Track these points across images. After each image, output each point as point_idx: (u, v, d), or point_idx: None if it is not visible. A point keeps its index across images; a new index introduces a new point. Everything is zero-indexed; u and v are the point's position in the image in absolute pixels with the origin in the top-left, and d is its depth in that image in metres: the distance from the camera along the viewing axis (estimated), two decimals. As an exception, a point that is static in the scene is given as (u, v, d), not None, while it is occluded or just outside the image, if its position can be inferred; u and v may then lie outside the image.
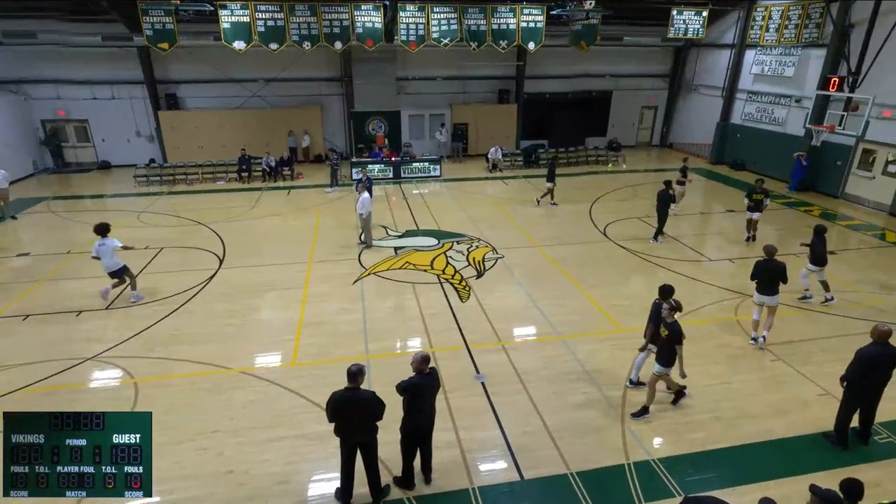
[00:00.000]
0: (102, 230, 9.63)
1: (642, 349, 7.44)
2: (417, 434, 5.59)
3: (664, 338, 6.56)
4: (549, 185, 15.91)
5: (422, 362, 5.39)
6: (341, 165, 18.95)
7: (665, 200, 12.65)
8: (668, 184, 12.94)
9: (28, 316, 9.56)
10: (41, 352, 8.40)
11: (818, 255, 9.59)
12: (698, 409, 7.09)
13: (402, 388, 5.38)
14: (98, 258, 9.64)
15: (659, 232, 13.01)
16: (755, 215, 12.78)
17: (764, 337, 8.44)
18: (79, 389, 7.55)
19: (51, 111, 20.37)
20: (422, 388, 5.39)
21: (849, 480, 4.43)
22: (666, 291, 6.97)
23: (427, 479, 5.89)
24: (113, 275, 9.85)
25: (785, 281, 8.28)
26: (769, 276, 8.27)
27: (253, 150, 19.89)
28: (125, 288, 10.23)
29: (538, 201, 16.31)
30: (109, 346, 8.54)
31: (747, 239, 13.04)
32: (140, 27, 16.62)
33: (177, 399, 7.27)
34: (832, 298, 9.83)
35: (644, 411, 6.88)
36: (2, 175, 14.41)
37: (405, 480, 5.79)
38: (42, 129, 20.60)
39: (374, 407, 5.26)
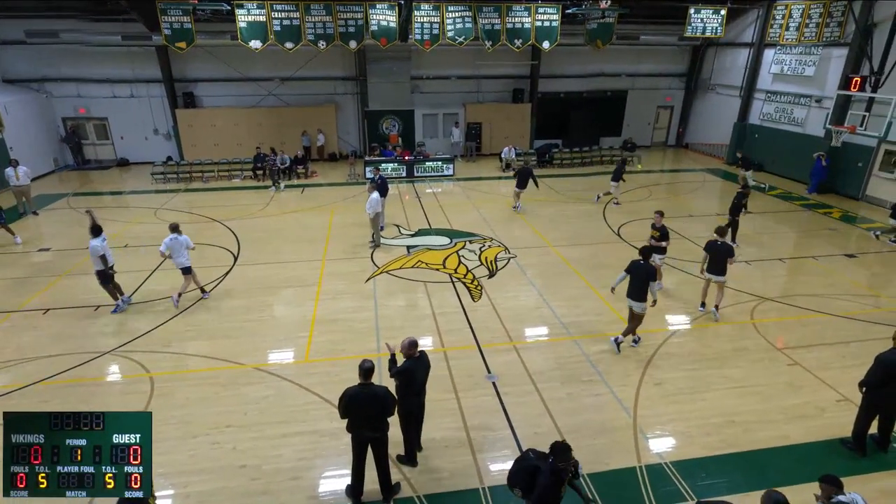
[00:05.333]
0: (175, 227, 9.70)
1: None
2: (416, 413, 5.92)
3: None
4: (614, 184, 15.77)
5: (410, 347, 5.65)
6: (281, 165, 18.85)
7: (736, 206, 12.52)
8: (745, 186, 12.89)
9: (48, 310, 9.76)
10: (60, 345, 8.57)
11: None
12: (712, 413, 7.01)
13: (397, 372, 5.64)
14: (168, 255, 9.62)
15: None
16: None
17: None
18: (97, 383, 7.69)
19: (72, 109, 20.76)
20: (413, 371, 5.66)
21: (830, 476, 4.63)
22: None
23: (419, 447, 6.23)
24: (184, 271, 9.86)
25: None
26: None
27: (268, 148, 20.04)
28: (192, 289, 10.16)
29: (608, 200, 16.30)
30: (126, 341, 8.69)
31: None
32: (159, 26, 16.87)
33: (192, 394, 7.37)
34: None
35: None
36: (24, 172, 14.71)
37: (408, 458, 6.05)
38: (63, 127, 21.01)
39: (388, 402, 5.31)
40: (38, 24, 18.53)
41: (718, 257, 9.03)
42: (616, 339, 8.38)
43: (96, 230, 9.32)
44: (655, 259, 9.48)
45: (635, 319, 8.24)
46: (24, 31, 18.36)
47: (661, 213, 10.11)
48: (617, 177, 15.61)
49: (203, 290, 10.24)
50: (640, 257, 8.12)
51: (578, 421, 6.84)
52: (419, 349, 5.75)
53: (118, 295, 9.75)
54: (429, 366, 5.92)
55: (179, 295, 9.86)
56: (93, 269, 9.53)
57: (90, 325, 9.24)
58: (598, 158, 22.42)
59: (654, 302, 8.08)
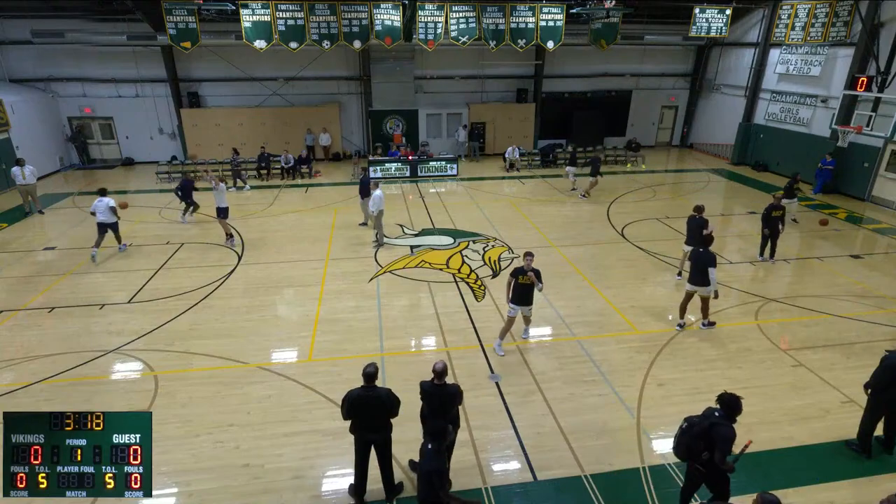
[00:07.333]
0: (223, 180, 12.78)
1: None
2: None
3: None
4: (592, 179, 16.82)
5: (434, 373, 5.39)
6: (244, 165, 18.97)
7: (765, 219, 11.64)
8: (777, 199, 11.76)
9: (53, 308, 9.80)
10: (65, 344, 8.61)
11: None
12: (716, 414, 6.96)
13: (420, 385, 5.52)
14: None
15: (771, 250, 11.93)
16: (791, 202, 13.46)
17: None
18: (101, 381, 7.71)
19: (77, 109, 20.87)
20: (427, 394, 5.46)
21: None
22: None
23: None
24: (222, 213, 12.66)
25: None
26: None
27: (272, 147, 20.12)
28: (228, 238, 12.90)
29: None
30: (131, 340, 8.72)
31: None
32: (164, 26, 16.94)
33: (195, 392, 7.39)
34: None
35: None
36: (29, 171, 14.78)
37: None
38: (69, 127, 21.11)
39: (390, 404, 5.29)
40: (43, 24, 18.64)
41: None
42: (703, 324, 9.06)
43: (102, 191, 12.14)
44: (525, 310, 8.26)
45: (703, 302, 8.83)
46: (31, 31, 18.46)
47: (531, 255, 7.93)
48: (790, 194, 13.84)
49: (230, 236, 12.83)
50: (701, 246, 8.64)
51: (581, 421, 6.82)
52: (445, 381, 5.38)
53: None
54: (446, 398, 5.40)
55: (230, 236, 12.87)
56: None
57: (94, 324, 9.27)
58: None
59: (716, 293, 8.60)
